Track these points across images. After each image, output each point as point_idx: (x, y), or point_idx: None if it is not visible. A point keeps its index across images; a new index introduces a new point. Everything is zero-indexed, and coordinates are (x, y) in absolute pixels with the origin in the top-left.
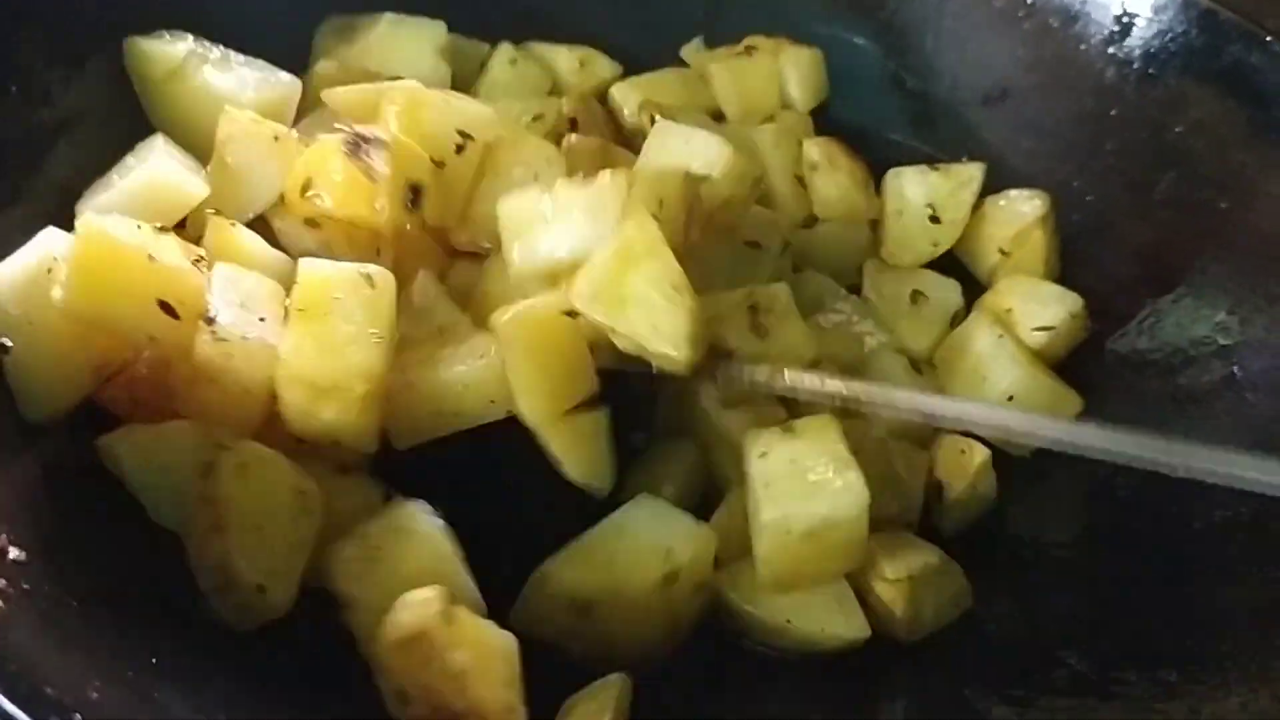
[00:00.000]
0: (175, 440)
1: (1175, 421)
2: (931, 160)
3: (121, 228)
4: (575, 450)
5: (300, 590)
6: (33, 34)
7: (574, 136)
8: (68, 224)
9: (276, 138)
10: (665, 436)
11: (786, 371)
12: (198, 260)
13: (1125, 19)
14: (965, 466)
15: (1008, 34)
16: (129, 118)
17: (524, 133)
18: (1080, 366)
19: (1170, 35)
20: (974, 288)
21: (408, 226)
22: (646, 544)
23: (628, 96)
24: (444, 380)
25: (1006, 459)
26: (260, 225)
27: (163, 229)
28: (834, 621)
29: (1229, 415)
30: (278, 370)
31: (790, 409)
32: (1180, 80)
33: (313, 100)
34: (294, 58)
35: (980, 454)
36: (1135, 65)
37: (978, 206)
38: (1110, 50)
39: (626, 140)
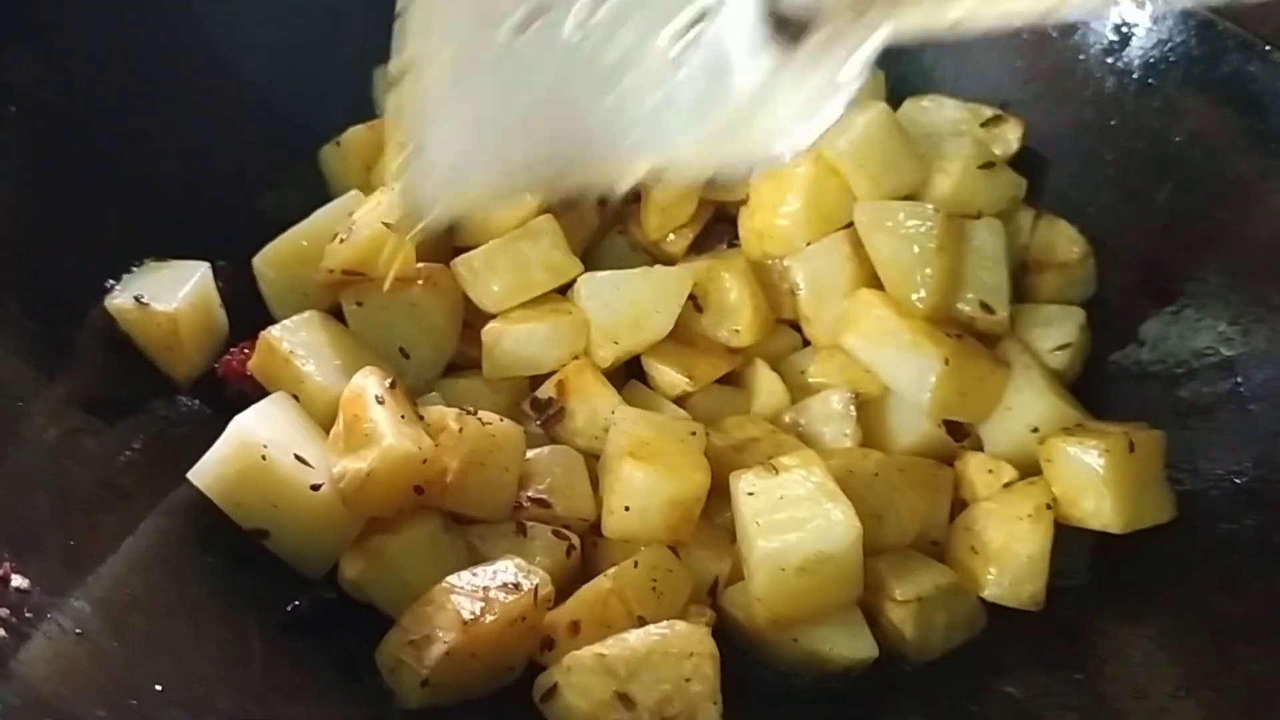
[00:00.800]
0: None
1: (1178, 434)
2: None
3: (410, 444)
4: None
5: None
6: None
7: None
8: None
9: None
10: None
11: None
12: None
13: (1124, 29)
14: (992, 484)
15: (1006, 44)
16: None
17: None
18: (1082, 380)
19: (1169, 45)
20: None
21: None
22: None
23: None
24: None
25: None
26: None
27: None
28: (840, 641)
29: (1232, 427)
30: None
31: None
32: (1179, 90)
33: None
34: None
35: (1008, 472)
36: (1134, 75)
37: None
38: (1109, 60)
39: None
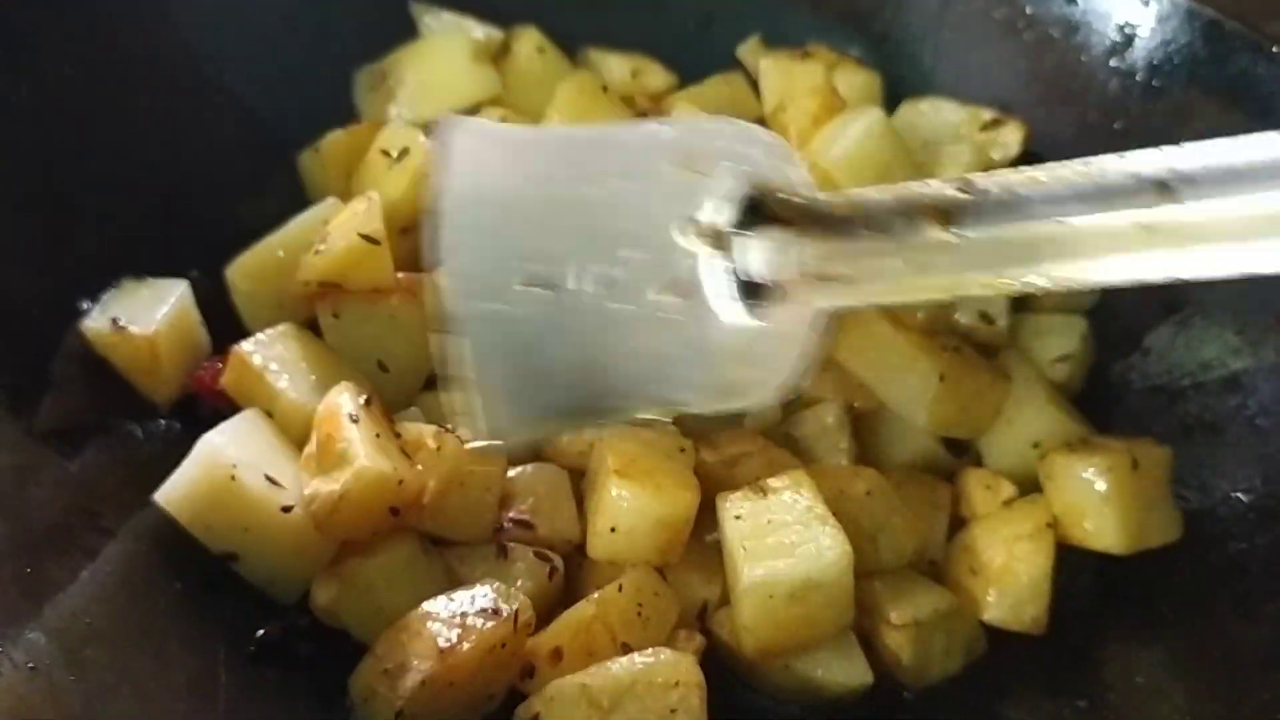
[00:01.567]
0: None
1: (1185, 449)
2: None
3: (385, 464)
4: None
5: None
6: None
7: None
8: None
9: None
10: None
11: None
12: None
13: (1128, 30)
14: (991, 501)
15: (1008, 46)
16: None
17: None
18: (1085, 392)
19: (1174, 46)
20: None
21: None
22: None
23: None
24: None
25: None
26: None
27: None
28: (834, 667)
29: (1241, 443)
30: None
31: None
32: (1185, 92)
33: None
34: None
35: (1007, 489)
36: (1139, 77)
37: None
38: (1113, 62)
39: None
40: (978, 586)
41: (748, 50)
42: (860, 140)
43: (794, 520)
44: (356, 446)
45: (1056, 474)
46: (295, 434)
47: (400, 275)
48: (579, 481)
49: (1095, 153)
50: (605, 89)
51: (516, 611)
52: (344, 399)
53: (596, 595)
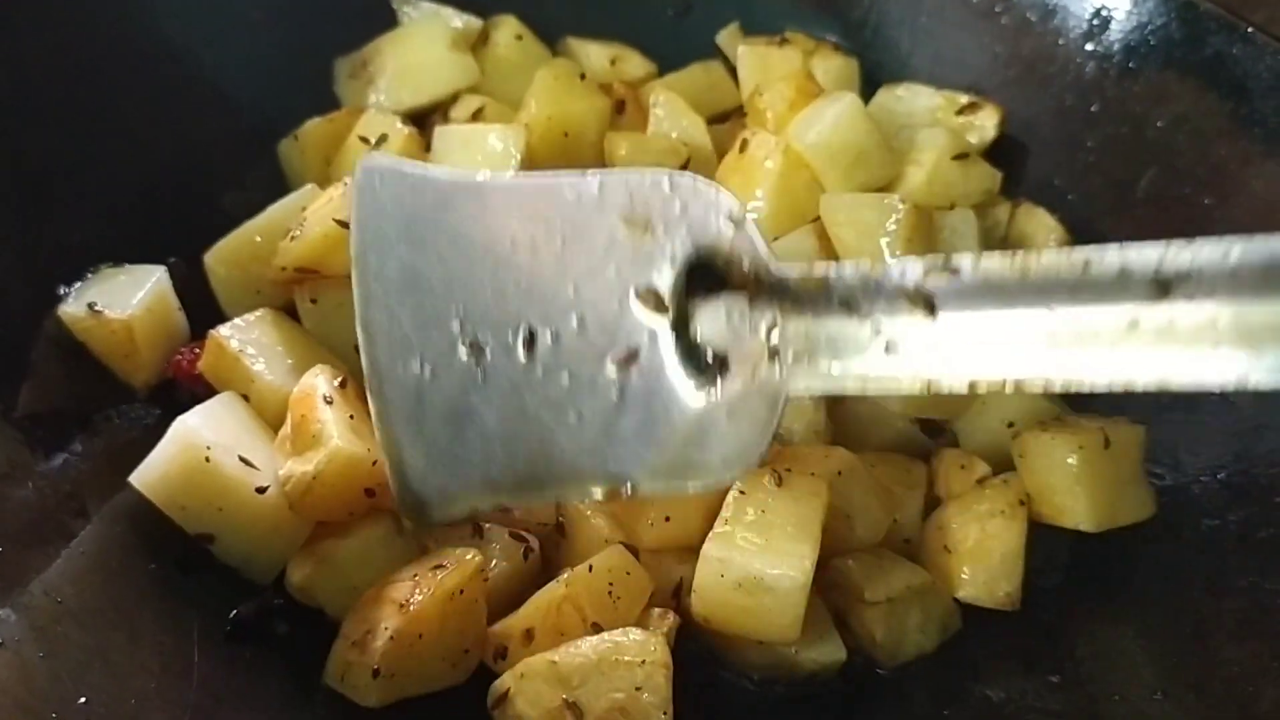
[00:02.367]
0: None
1: (1160, 428)
2: None
3: (359, 445)
4: None
5: None
6: None
7: None
8: None
9: None
10: None
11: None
12: None
13: (1104, 12)
14: (965, 481)
15: (985, 30)
16: None
17: None
18: None
19: (1150, 28)
20: None
21: None
22: None
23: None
24: None
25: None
26: None
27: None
28: (808, 644)
29: (1215, 420)
30: None
31: None
32: (1161, 74)
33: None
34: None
35: (981, 468)
36: (1115, 59)
37: None
38: (1089, 45)
39: None
40: (952, 564)
41: (726, 37)
42: (834, 125)
43: (784, 523)
44: (330, 428)
45: (1029, 452)
46: (272, 417)
47: None
48: None
49: (1074, 135)
50: (583, 76)
51: (470, 558)
52: (319, 381)
53: (566, 575)
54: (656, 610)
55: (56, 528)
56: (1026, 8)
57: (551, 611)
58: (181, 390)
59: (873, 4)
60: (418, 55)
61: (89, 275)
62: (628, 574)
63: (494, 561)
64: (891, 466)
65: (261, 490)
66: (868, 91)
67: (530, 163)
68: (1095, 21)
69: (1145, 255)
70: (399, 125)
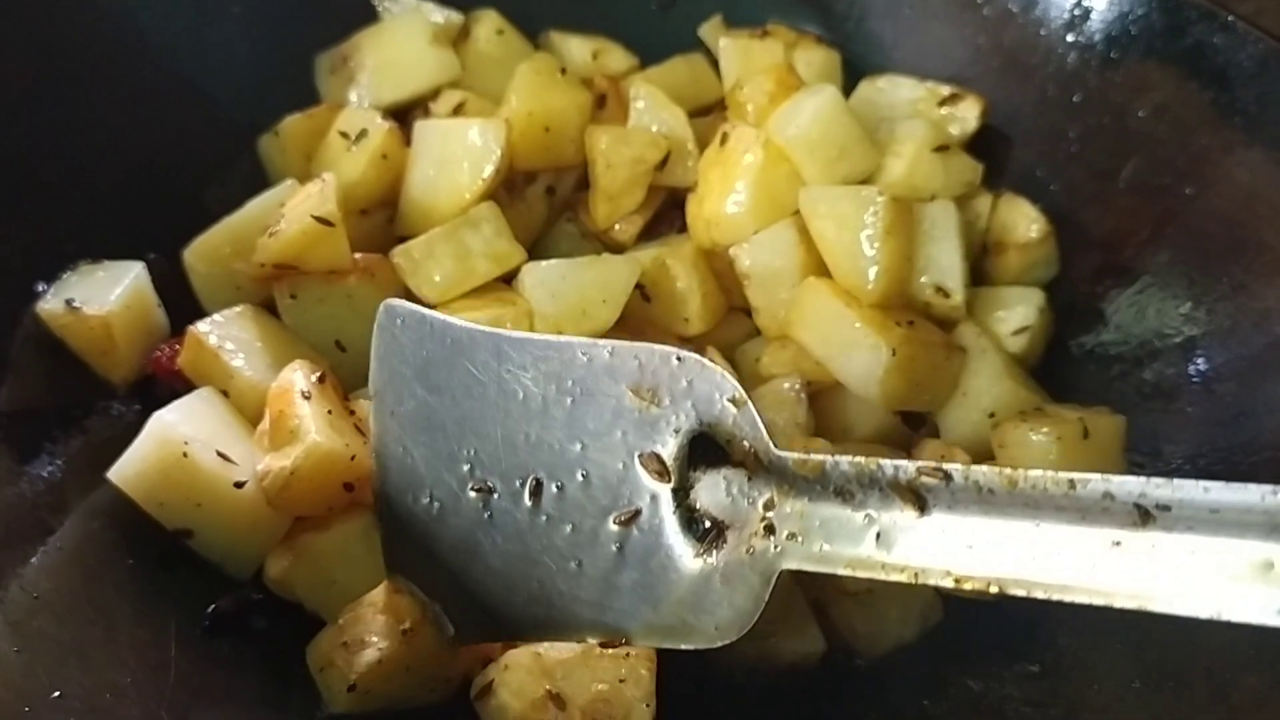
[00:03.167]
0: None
1: (1141, 417)
2: None
3: (336, 440)
4: None
5: None
6: None
7: None
8: None
9: None
10: None
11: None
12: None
13: (1085, 3)
14: None
15: (967, 22)
16: None
17: None
18: (1045, 363)
19: (1131, 18)
20: None
21: None
22: None
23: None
24: None
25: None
26: None
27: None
28: (787, 635)
29: (1196, 409)
30: None
31: None
32: (1142, 64)
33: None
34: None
35: (961, 458)
36: (1097, 50)
37: None
38: (1071, 35)
39: None
40: None
41: (709, 30)
42: (814, 118)
43: None
44: (308, 423)
45: (1008, 442)
46: (251, 413)
47: (358, 256)
48: None
49: (1056, 125)
50: (564, 71)
51: None
52: (297, 376)
53: None
54: None
55: (36, 524)
56: None
57: None
58: (161, 386)
59: None
60: (398, 50)
61: (67, 272)
62: None
63: None
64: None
65: (240, 485)
66: (850, 83)
67: (511, 157)
68: (1076, 12)
69: (1128, 485)
70: (379, 120)
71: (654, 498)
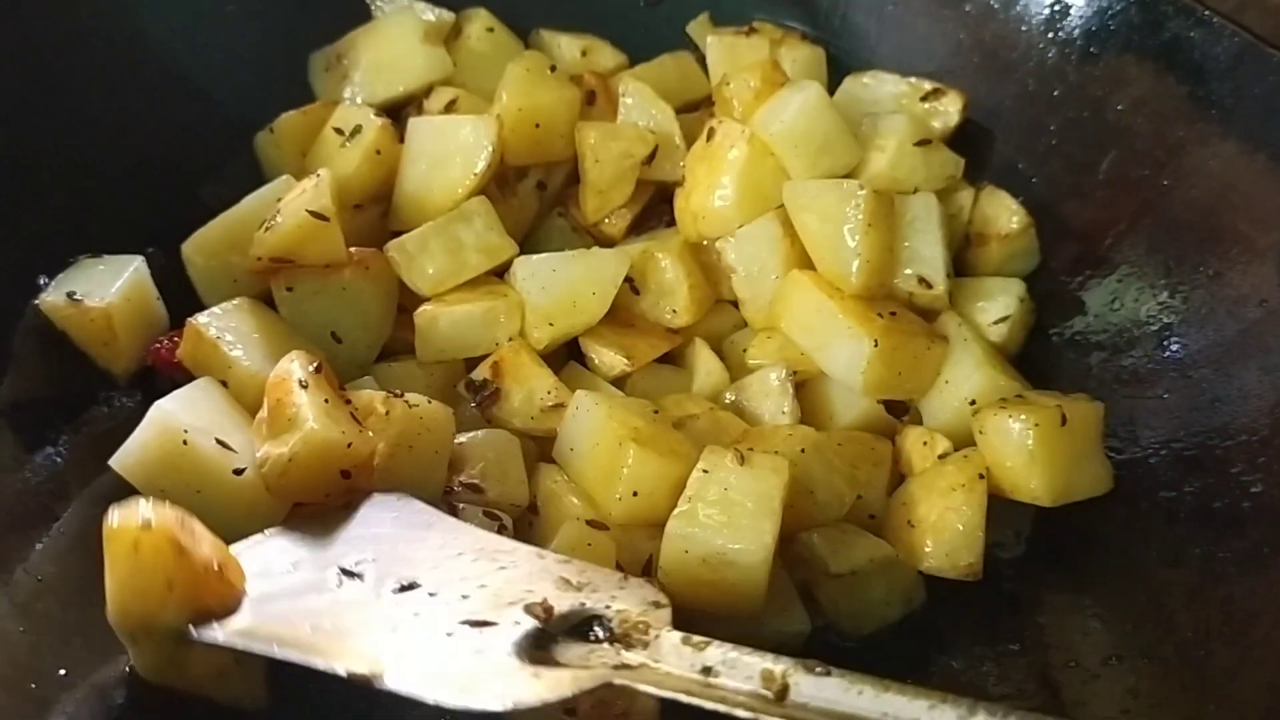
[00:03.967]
0: None
1: (1120, 403)
2: None
3: (333, 428)
4: None
5: None
6: None
7: None
8: None
9: None
10: None
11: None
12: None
13: None
14: (927, 457)
15: (950, 18)
16: None
17: None
18: (1026, 352)
19: (1110, 13)
20: None
21: None
22: None
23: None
24: None
25: None
26: None
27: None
28: (772, 616)
29: (1173, 395)
30: None
31: None
32: (1120, 58)
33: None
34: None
35: (942, 444)
36: (1076, 44)
37: None
38: (1051, 31)
39: None
40: (915, 538)
41: (696, 27)
42: (798, 114)
43: (745, 499)
44: (306, 411)
45: (987, 428)
46: (249, 403)
47: (353, 250)
48: (529, 446)
49: (1036, 119)
50: (554, 68)
51: None
52: (294, 366)
53: None
54: None
55: (40, 510)
56: None
57: None
58: (161, 377)
59: None
60: (391, 48)
61: (68, 266)
62: (590, 545)
63: None
64: (857, 444)
65: (239, 472)
66: (835, 79)
67: (503, 153)
68: (1056, 7)
69: None
70: (373, 117)
71: (517, 625)
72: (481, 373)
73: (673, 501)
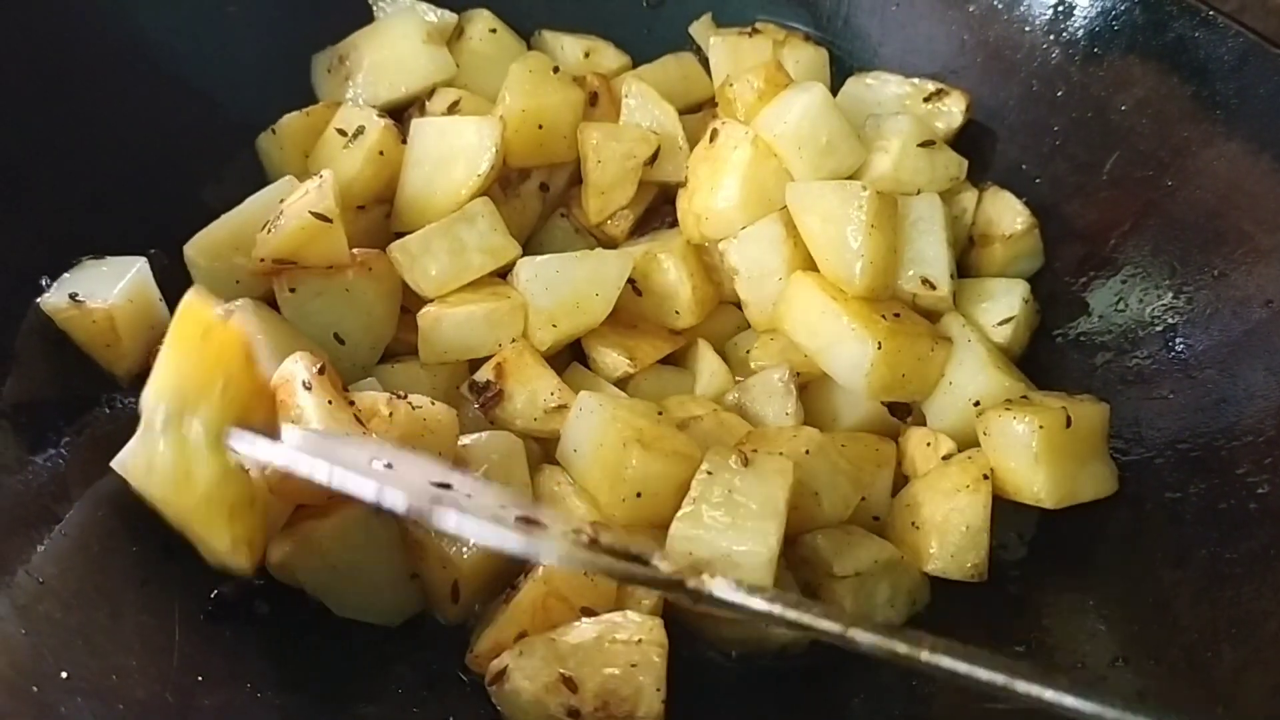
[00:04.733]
0: None
1: (1124, 404)
2: None
3: (336, 430)
4: None
5: None
6: None
7: None
8: None
9: None
10: None
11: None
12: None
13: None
14: (931, 458)
15: (953, 19)
16: None
17: None
18: (1030, 353)
19: (1113, 13)
20: None
21: None
22: None
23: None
24: None
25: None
26: None
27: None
28: None
29: (1177, 395)
30: None
31: None
32: (1124, 58)
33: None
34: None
35: (947, 445)
36: (1079, 45)
37: None
38: (1055, 31)
39: None
40: (920, 539)
41: (699, 28)
42: (802, 115)
43: (749, 501)
44: (309, 412)
45: (992, 430)
46: None
47: (356, 251)
48: (533, 446)
49: (1040, 120)
50: (556, 69)
51: None
52: (298, 367)
53: (540, 572)
54: (637, 589)
55: (42, 512)
56: None
57: (538, 609)
58: None
59: None
60: (394, 50)
61: (71, 267)
62: None
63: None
64: (861, 446)
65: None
66: (838, 80)
67: (506, 154)
68: (1060, 7)
69: None
70: (376, 118)
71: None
72: (484, 374)
73: (677, 503)
